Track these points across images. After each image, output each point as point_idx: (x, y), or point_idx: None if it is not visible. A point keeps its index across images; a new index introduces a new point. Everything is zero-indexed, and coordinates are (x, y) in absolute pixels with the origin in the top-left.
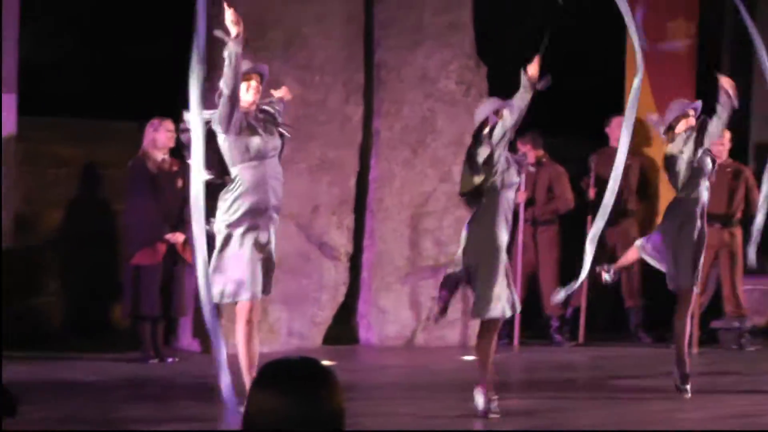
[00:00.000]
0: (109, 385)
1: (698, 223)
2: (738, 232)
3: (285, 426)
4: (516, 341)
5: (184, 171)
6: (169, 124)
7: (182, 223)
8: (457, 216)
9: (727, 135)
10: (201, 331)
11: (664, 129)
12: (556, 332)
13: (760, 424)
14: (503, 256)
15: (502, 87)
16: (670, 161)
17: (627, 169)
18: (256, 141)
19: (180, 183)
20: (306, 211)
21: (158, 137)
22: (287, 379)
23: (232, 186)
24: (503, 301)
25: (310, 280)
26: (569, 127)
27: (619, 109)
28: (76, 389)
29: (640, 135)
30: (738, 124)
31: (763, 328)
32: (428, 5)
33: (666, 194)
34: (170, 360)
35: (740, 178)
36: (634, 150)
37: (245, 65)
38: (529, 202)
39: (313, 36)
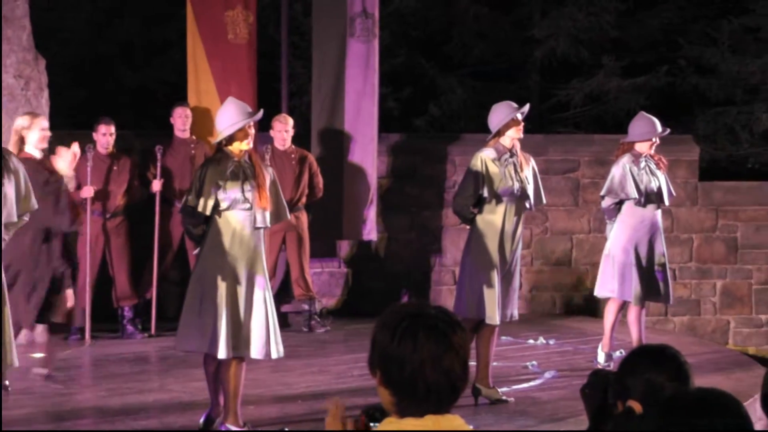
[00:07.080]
0: None
1: None
2: (303, 215)
3: None
4: (88, 335)
5: None
6: None
7: None
8: None
9: (290, 122)
10: None
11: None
12: (129, 323)
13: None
14: None
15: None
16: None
17: (192, 158)
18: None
19: None
20: None
21: None
22: None
23: None
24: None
25: None
26: (135, 118)
27: (181, 99)
28: None
29: (205, 125)
30: (299, 111)
31: (331, 310)
32: None
33: None
34: None
35: (305, 163)
36: (199, 139)
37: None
38: (99, 195)
39: None
